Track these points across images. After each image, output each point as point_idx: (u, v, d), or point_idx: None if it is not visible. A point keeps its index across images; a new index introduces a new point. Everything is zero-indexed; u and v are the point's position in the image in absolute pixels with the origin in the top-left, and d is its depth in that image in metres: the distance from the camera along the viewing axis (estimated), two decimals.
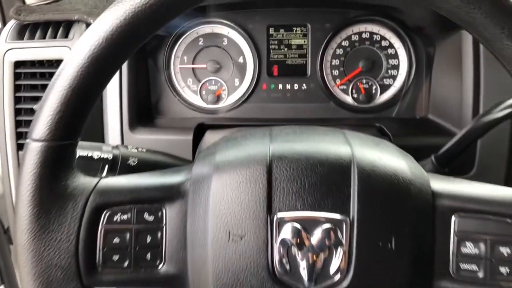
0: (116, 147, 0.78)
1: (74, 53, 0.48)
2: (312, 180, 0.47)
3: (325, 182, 0.47)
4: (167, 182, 0.53)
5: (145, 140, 1.11)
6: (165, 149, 0.88)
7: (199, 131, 1.10)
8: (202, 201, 0.49)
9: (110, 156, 0.74)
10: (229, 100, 1.31)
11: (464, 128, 0.81)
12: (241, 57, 1.36)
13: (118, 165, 0.74)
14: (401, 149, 0.57)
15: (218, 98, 1.36)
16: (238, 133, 0.59)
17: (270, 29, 1.36)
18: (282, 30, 1.37)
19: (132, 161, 0.76)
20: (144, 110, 1.22)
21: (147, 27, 0.48)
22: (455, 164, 0.83)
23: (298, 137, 0.55)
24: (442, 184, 0.52)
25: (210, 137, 1.07)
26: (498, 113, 0.76)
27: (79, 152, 0.69)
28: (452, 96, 1.12)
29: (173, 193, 0.52)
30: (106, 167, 0.72)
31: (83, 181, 0.51)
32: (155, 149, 0.86)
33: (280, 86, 1.34)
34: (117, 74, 1.10)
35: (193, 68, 1.37)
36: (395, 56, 1.34)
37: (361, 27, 1.35)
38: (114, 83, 1.11)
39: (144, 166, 0.76)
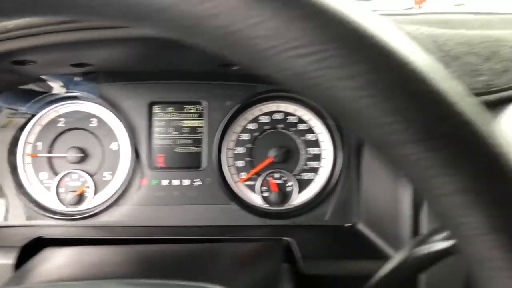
0: None
1: None
2: None
3: None
4: None
5: None
6: None
7: (38, 247, 0.82)
8: None
9: None
10: (95, 200, 1.06)
11: (398, 253, 0.58)
12: (114, 143, 1.06)
13: None
14: None
15: (80, 198, 1.05)
16: None
17: (154, 107, 1.07)
18: (170, 109, 1.08)
19: None
20: None
21: None
22: None
23: None
24: None
25: (41, 259, 0.77)
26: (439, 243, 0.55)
27: None
28: (386, 201, 0.89)
29: None
30: None
31: None
32: None
33: (166, 182, 1.06)
34: None
35: (48, 158, 1.06)
36: (316, 143, 1.07)
37: (272, 106, 1.08)
38: None
39: None
